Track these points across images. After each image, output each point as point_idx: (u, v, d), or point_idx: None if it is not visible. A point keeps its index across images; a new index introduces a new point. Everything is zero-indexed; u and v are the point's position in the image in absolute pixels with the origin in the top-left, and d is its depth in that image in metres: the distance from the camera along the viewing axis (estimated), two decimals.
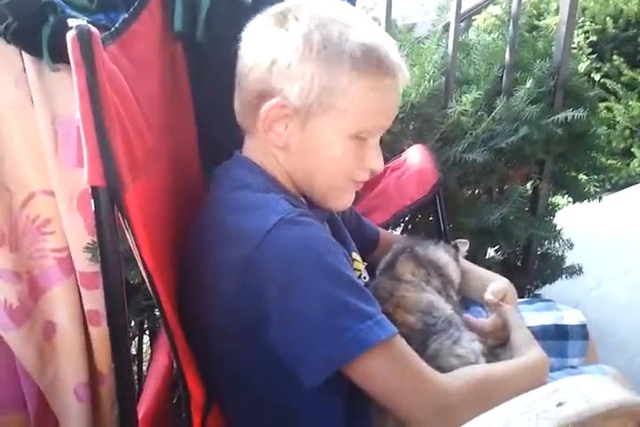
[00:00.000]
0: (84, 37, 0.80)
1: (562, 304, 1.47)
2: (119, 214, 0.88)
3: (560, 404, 0.80)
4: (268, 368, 1.00)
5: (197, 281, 1.02)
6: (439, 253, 1.29)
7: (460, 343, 1.10)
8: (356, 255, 1.24)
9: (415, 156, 1.59)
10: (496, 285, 1.27)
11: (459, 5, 1.93)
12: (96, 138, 0.82)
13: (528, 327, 1.22)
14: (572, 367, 1.32)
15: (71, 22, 0.81)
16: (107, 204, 0.86)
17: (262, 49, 1.04)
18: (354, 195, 1.15)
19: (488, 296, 1.24)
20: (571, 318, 1.40)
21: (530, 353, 1.12)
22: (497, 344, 1.20)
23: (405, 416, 0.96)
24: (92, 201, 0.86)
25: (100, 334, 1.24)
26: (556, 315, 1.42)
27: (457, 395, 0.96)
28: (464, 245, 1.37)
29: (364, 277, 1.22)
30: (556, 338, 1.37)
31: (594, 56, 4.05)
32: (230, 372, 1.05)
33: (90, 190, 0.85)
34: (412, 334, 1.10)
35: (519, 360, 1.10)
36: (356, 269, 1.20)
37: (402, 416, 0.96)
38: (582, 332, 1.38)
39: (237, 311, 0.97)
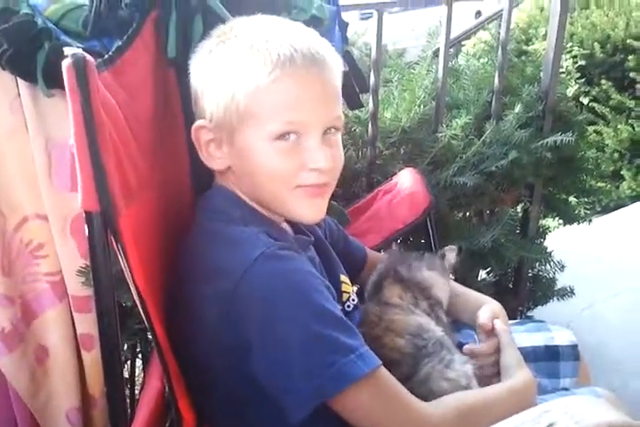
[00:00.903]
0: (79, 65, 0.82)
1: (553, 325, 1.47)
2: (112, 239, 0.89)
3: (550, 425, 0.81)
4: (255, 398, 1.00)
5: (183, 309, 1.02)
6: (424, 273, 1.28)
7: (451, 367, 1.10)
8: (344, 278, 1.23)
9: (407, 179, 1.61)
10: (487, 308, 1.27)
11: (448, 31, 1.96)
12: (90, 163, 0.83)
13: (519, 348, 1.23)
14: (565, 389, 1.32)
15: (67, 51, 0.82)
16: (100, 228, 0.87)
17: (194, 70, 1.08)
18: (320, 203, 1.09)
19: (482, 321, 1.24)
20: (561, 338, 1.41)
21: (518, 375, 1.12)
22: (492, 366, 1.20)
23: None
24: (86, 226, 0.86)
25: (92, 358, 1.23)
26: (546, 335, 1.42)
27: (442, 422, 0.96)
28: (452, 252, 1.34)
29: (353, 300, 1.21)
30: (548, 359, 1.37)
31: (582, 80, 4.11)
32: (220, 399, 1.05)
33: (83, 215, 0.86)
34: (403, 357, 1.10)
35: (507, 384, 1.10)
36: (344, 292, 1.20)
37: None
38: (573, 352, 1.39)
39: (220, 341, 0.98)
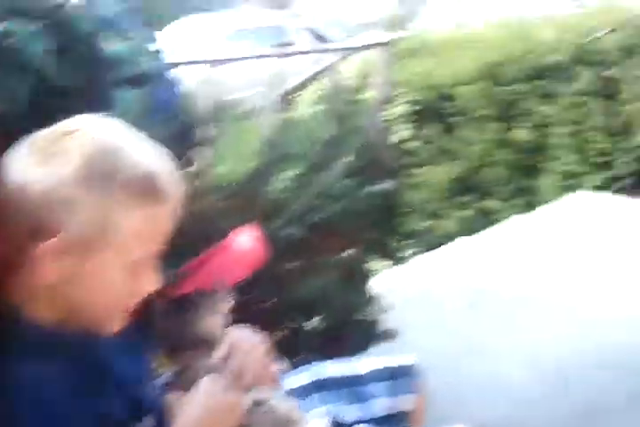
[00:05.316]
0: None
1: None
2: None
3: None
4: None
5: None
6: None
7: None
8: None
9: (240, 237, 1.61)
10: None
11: (281, 85, 2.04)
12: None
13: (359, 377, 1.38)
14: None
15: None
16: None
17: (31, 180, 0.95)
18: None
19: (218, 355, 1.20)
20: (401, 360, 1.50)
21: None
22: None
23: None
24: None
25: None
26: (386, 360, 1.51)
27: None
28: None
29: None
30: (386, 379, 1.45)
31: (412, 124, 4.36)
32: None
33: None
34: None
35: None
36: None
37: None
38: (411, 371, 1.48)
39: None
